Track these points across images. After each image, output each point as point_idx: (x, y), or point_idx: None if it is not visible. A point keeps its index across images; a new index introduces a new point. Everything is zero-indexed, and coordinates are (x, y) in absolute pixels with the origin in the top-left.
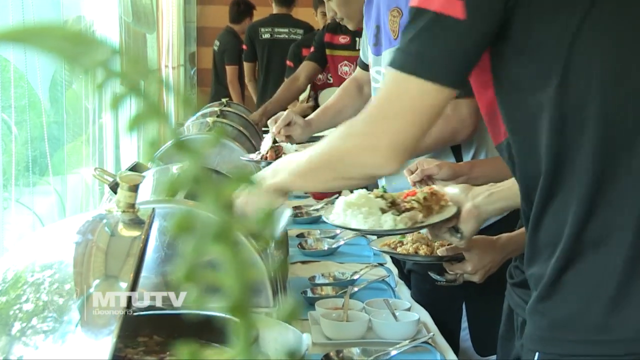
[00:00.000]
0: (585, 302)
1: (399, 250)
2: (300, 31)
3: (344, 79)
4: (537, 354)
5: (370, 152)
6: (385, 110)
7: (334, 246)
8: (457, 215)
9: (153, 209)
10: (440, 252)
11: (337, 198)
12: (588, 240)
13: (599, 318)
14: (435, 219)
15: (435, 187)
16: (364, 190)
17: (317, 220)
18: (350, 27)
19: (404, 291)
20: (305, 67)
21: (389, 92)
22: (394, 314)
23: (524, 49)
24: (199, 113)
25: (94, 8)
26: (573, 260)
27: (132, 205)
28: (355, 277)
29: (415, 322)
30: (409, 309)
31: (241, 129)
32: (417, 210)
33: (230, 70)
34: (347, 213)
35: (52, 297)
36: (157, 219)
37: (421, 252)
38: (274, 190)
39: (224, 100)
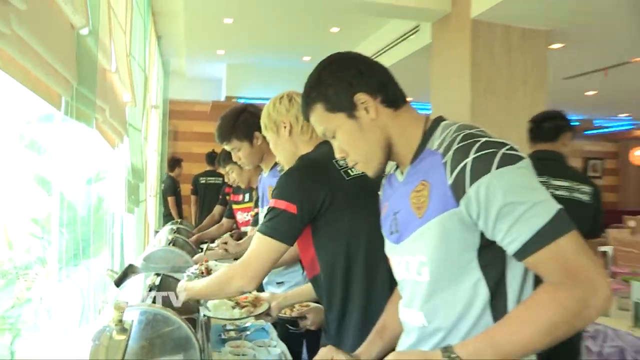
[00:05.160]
0: None
1: (280, 314)
2: (220, 179)
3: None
4: None
5: (239, 278)
6: (250, 255)
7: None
8: (269, 308)
9: (132, 320)
10: (294, 313)
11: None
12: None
13: None
14: (260, 310)
15: (255, 293)
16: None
17: None
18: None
19: (274, 334)
20: (218, 210)
21: (255, 245)
22: (267, 348)
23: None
24: (166, 228)
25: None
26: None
27: (120, 321)
28: (247, 324)
29: (280, 353)
30: (275, 346)
31: (188, 240)
32: (250, 306)
33: (170, 200)
34: (218, 308)
35: None
36: (139, 323)
37: (286, 314)
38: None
39: (178, 220)
